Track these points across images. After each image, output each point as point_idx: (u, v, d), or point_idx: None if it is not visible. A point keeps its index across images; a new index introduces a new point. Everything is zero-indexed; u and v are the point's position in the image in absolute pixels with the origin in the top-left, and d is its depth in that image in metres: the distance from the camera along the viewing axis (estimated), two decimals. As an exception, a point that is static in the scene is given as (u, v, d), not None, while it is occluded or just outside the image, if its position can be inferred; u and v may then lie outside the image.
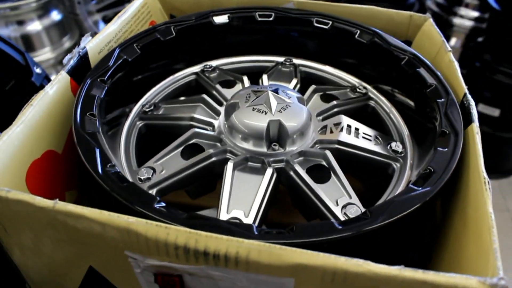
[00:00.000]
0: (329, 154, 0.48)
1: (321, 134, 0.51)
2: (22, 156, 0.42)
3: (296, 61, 0.64)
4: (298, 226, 0.35)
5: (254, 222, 0.42)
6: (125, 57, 0.53)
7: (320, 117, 0.54)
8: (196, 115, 0.52)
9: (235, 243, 0.32)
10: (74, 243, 0.37)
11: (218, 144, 0.50)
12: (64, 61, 0.50)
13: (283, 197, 0.50)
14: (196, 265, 0.34)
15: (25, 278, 0.45)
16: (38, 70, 0.75)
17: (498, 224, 0.34)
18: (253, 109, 0.48)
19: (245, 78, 0.59)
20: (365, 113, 0.58)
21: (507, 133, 1.48)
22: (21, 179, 0.41)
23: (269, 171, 0.45)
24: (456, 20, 1.51)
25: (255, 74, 0.62)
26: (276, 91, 0.50)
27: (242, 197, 0.44)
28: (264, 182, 0.45)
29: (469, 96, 0.48)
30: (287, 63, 0.63)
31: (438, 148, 0.43)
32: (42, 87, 0.47)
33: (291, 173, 0.46)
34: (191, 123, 0.52)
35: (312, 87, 0.58)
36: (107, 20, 1.69)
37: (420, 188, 0.39)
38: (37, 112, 0.44)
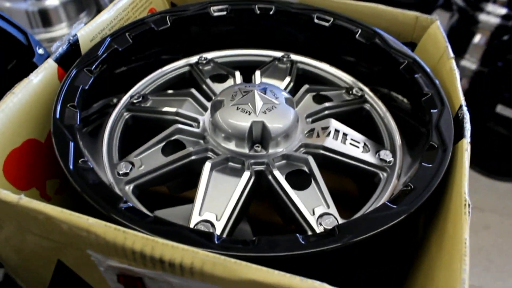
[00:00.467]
0: (311, 160, 0.46)
1: (308, 138, 0.50)
2: (0, 145, 0.42)
3: (295, 57, 0.62)
4: (262, 239, 0.34)
5: (225, 226, 0.41)
6: (115, 46, 0.53)
7: (310, 119, 0.53)
8: (181, 110, 0.51)
9: (190, 253, 0.31)
10: (39, 237, 0.37)
11: (201, 141, 0.49)
12: (53, 48, 0.50)
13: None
14: (154, 271, 0.33)
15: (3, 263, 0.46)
16: (40, 51, 0.75)
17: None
18: (237, 109, 0.47)
19: (237, 74, 0.58)
20: (359, 117, 0.56)
21: (526, 136, 1.42)
22: (-3, 168, 0.42)
23: (246, 174, 0.44)
24: (482, 17, 1.43)
25: (251, 68, 0.61)
26: (263, 90, 0.49)
27: (217, 199, 0.43)
28: (240, 185, 0.44)
29: (464, 109, 0.46)
30: (285, 59, 0.62)
31: (423, 163, 0.42)
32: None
33: (270, 177, 0.45)
34: (176, 118, 0.51)
35: (305, 86, 0.56)
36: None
37: (395, 207, 0.37)
38: (19, 100, 0.44)
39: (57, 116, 0.43)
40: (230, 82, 0.58)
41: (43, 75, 0.47)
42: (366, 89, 0.58)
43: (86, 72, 0.49)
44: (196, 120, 0.51)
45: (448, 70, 0.51)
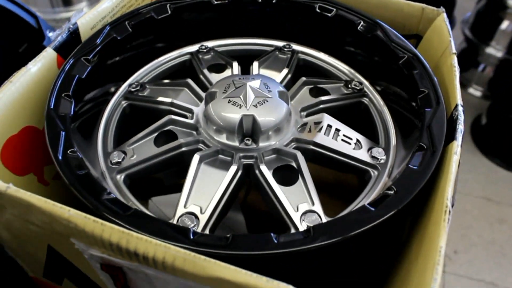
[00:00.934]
0: (299, 155, 0.46)
1: (300, 132, 0.50)
2: (-3, 132, 0.44)
3: (296, 47, 0.61)
4: (235, 237, 0.35)
5: (209, 219, 0.42)
6: (114, 35, 0.53)
7: (304, 113, 0.52)
8: (176, 101, 0.52)
9: (162, 248, 0.32)
10: (28, 223, 0.39)
11: (194, 132, 0.50)
12: (52, 36, 0.51)
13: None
14: (131, 262, 0.35)
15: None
16: (50, 34, 0.76)
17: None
18: (229, 101, 0.47)
19: (235, 64, 0.58)
20: (356, 111, 0.55)
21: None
22: (-6, 154, 0.44)
23: (232, 168, 0.45)
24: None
25: (252, 57, 0.60)
26: (257, 83, 0.49)
27: (203, 192, 0.44)
28: (226, 179, 0.44)
29: (460, 109, 0.44)
30: (286, 49, 0.61)
31: (409, 165, 0.41)
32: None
33: (257, 171, 0.45)
34: (171, 108, 0.52)
35: (302, 79, 0.56)
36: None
37: (374, 210, 0.37)
38: (17, 89, 0.46)
39: (51, 106, 0.44)
40: (227, 72, 0.58)
41: (41, 64, 0.48)
42: (366, 82, 0.57)
43: (83, 61, 0.50)
44: (190, 111, 0.52)
45: (448, 65, 0.50)
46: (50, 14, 1.47)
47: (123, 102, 0.54)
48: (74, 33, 0.53)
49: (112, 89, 0.55)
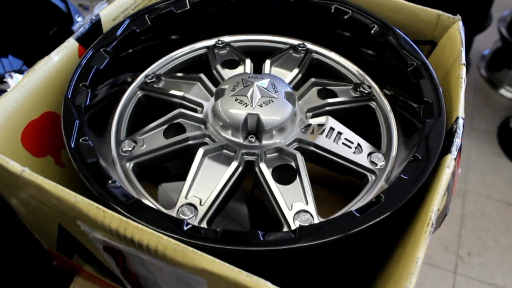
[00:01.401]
0: (299, 156, 0.48)
1: (303, 133, 0.51)
2: (19, 116, 0.47)
3: (311, 46, 0.62)
4: (225, 232, 0.37)
5: (207, 211, 0.45)
6: (133, 28, 0.56)
7: (310, 114, 0.54)
8: (187, 95, 0.54)
9: (155, 238, 0.35)
10: (41, 204, 0.42)
11: (202, 126, 0.52)
12: (75, 28, 0.54)
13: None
14: (128, 247, 0.38)
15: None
16: (79, 19, 0.80)
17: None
18: (236, 99, 0.49)
19: (248, 61, 0.59)
20: (363, 114, 0.56)
21: None
22: (16, 137, 0.47)
23: (233, 164, 0.47)
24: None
25: (266, 54, 0.62)
26: (265, 83, 0.50)
27: (205, 184, 0.47)
28: (227, 174, 0.47)
29: (460, 122, 0.45)
30: (300, 48, 0.62)
31: (401, 175, 0.42)
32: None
33: (256, 169, 0.48)
34: (182, 101, 0.54)
35: (311, 80, 0.57)
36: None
37: (360, 216, 0.38)
38: (39, 77, 0.49)
39: (69, 95, 0.48)
40: (240, 69, 0.60)
41: (63, 53, 0.52)
42: (375, 86, 0.57)
43: (102, 52, 0.53)
44: (201, 105, 0.54)
45: (456, 77, 0.50)
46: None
47: (138, 92, 0.57)
48: (96, 24, 0.56)
49: (129, 79, 0.57)
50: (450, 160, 0.42)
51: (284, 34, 0.64)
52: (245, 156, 0.49)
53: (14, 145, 0.47)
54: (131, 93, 0.57)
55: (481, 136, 1.66)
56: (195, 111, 0.54)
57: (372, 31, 0.56)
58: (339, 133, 0.51)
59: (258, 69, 0.60)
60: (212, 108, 0.51)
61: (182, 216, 0.44)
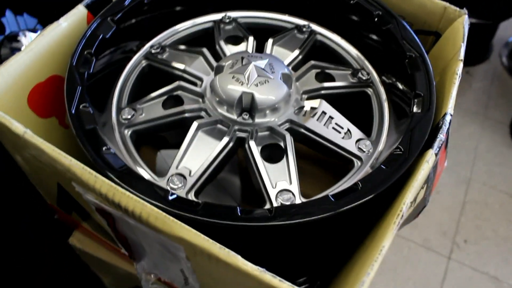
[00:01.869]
0: (288, 136, 0.50)
1: (296, 115, 0.53)
2: (26, 78, 0.50)
3: (315, 28, 0.63)
4: (205, 205, 0.40)
5: (195, 182, 0.47)
6: (142, -2, 0.57)
7: (306, 96, 0.55)
8: (188, 68, 0.56)
9: (140, 205, 0.38)
10: (41, 163, 0.45)
11: (200, 100, 0.54)
12: (85, -5, 0.55)
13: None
14: (116, 211, 0.41)
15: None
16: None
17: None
18: (233, 77, 0.51)
19: (251, 39, 0.60)
20: (357, 100, 0.57)
21: None
22: (23, 98, 0.50)
23: (225, 139, 0.49)
24: None
25: (271, 32, 0.63)
26: (262, 63, 0.52)
27: (196, 156, 0.49)
28: (218, 148, 0.49)
29: (447, 118, 0.46)
30: (304, 29, 0.62)
31: (381, 165, 0.44)
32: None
33: (246, 146, 0.50)
34: (183, 74, 0.56)
35: (310, 62, 0.58)
36: None
37: (334, 201, 0.40)
38: (47, 41, 0.51)
39: (74, 62, 0.50)
40: (243, 46, 0.61)
41: (72, 20, 0.54)
42: (374, 73, 0.58)
43: (109, 21, 0.54)
44: (200, 79, 0.56)
45: (452, 72, 0.50)
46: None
47: (143, 61, 0.59)
48: (106, -8, 0.57)
49: (135, 48, 0.59)
50: (430, 155, 0.43)
51: (290, 13, 0.64)
52: (237, 132, 0.51)
53: (21, 105, 0.50)
54: (136, 61, 0.58)
55: (494, 126, 1.64)
56: (195, 84, 0.55)
57: (376, 19, 0.56)
58: (331, 117, 0.52)
59: (261, 47, 0.61)
60: (210, 83, 0.53)
61: (171, 185, 0.46)
